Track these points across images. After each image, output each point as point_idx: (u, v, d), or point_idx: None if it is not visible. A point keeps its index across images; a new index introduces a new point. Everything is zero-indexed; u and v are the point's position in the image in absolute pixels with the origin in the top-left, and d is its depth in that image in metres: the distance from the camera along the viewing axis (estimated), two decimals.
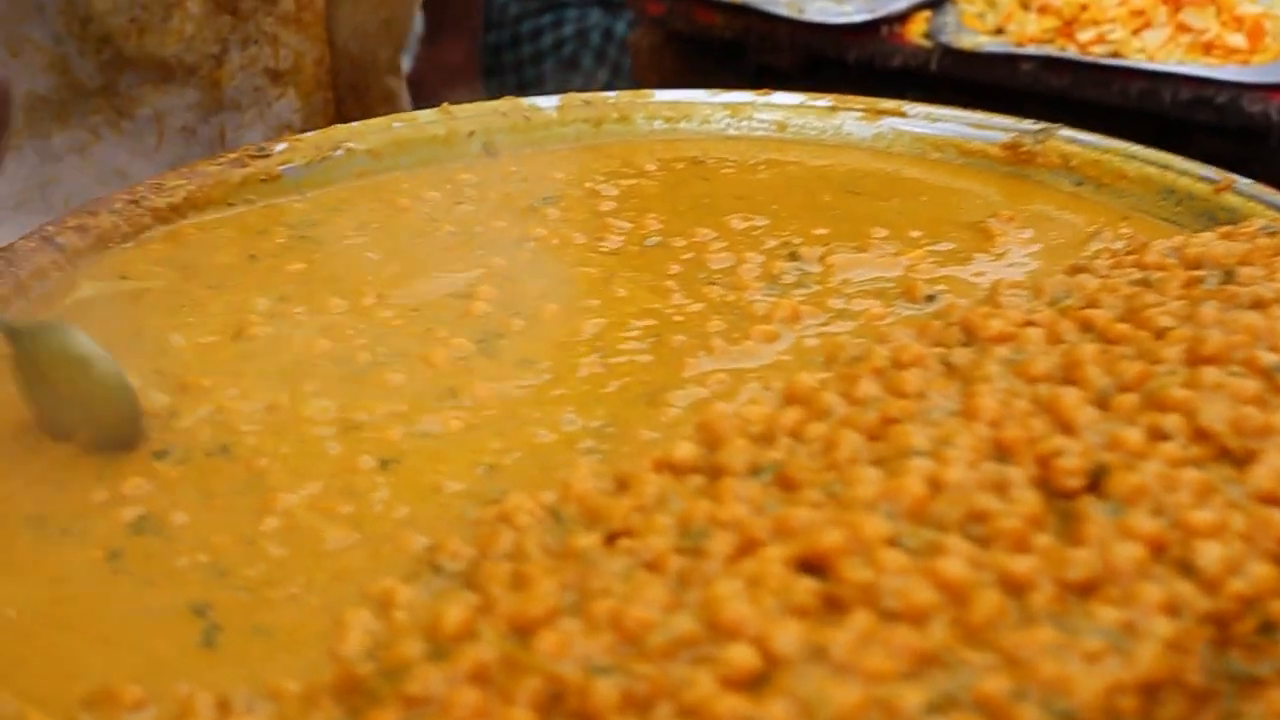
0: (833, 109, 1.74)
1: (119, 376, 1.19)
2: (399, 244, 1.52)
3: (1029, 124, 1.66)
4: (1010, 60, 2.51)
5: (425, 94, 2.28)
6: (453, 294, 1.42)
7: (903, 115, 1.72)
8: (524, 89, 3.62)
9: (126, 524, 1.13)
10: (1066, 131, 1.64)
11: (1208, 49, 2.51)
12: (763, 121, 1.76)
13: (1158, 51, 2.49)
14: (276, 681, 0.96)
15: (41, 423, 1.20)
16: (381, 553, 1.09)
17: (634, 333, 1.36)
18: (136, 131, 1.80)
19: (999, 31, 2.61)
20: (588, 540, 0.99)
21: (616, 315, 1.38)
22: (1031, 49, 2.51)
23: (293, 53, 1.87)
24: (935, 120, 1.71)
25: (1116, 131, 1.67)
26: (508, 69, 3.60)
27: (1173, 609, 0.90)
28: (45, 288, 1.43)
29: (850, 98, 1.75)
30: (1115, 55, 2.48)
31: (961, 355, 1.17)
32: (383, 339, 1.35)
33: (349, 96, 1.98)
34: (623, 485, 1.07)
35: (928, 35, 2.62)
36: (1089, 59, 2.47)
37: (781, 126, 1.75)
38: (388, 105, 2.13)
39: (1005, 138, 1.66)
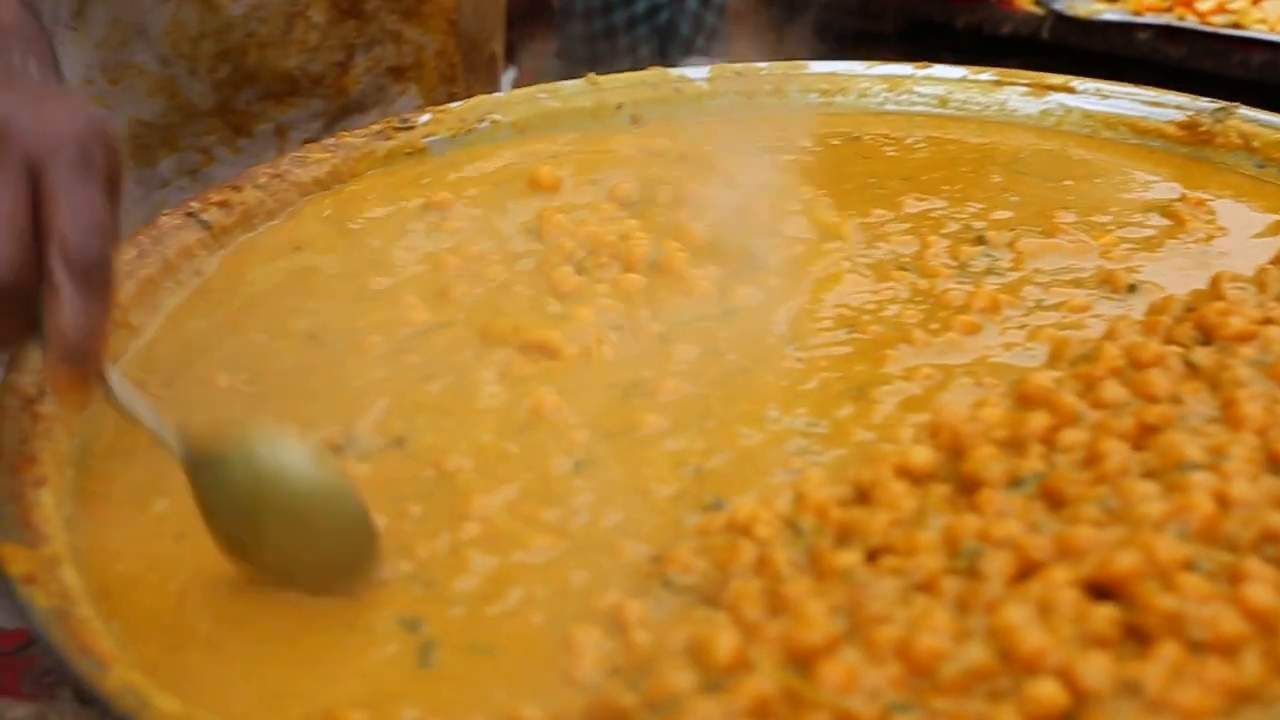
0: (997, 83, 1.67)
1: (351, 498, 1.02)
2: None
3: (1206, 102, 1.58)
4: (1126, 29, 2.44)
5: None
6: None
7: (1071, 91, 1.64)
8: (616, 57, 3.58)
9: None
10: (1246, 110, 1.56)
11: None
12: (922, 96, 1.68)
13: (1279, 22, 2.42)
14: (514, 708, 0.90)
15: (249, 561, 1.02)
16: (598, 563, 1.02)
17: (825, 323, 1.29)
18: (255, 148, 1.72)
19: None
20: (848, 558, 0.92)
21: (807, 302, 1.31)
22: (1150, 18, 2.44)
23: (414, 47, 1.79)
24: (1106, 97, 1.63)
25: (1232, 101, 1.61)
26: (599, 37, 3.52)
27: None
28: (194, 265, 1.36)
29: (1015, 72, 1.67)
30: (1236, 25, 2.41)
31: (1203, 355, 1.11)
32: None
33: (464, 74, 1.91)
34: (864, 495, 1.00)
35: (1039, 2, 2.55)
36: (1209, 28, 2.40)
37: (943, 101, 1.67)
38: (490, 70, 2.07)
39: (1181, 116, 1.58)
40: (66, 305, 0.96)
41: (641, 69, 1.65)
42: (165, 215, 1.37)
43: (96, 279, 0.97)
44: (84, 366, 0.98)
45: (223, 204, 1.41)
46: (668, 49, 3.51)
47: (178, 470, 1.04)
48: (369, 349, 1.26)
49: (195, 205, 1.39)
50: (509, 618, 0.99)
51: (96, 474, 1.13)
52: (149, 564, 1.04)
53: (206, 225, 1.39)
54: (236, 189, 1.43)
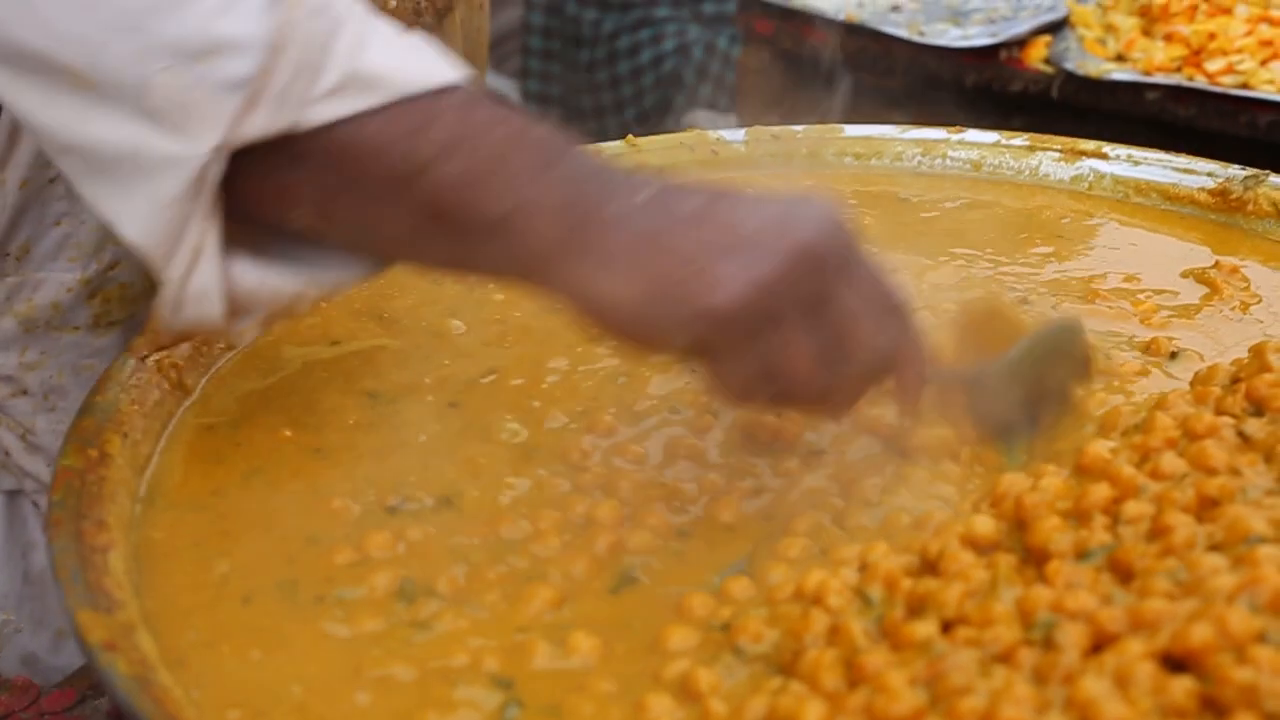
0: (1030, 148, 1.69)
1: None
2: None
3: (1236, 169, 1.61)
4: (1135, 89, 2.46)
5: None
6: None
7: (1104, 157, 1.67)
8: (621, 106, 3.60)
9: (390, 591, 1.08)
10: (1276, 178, 1.58)
11: None
12: (956, 160, 1.71)
13: None
14: None
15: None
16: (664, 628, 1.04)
17: None
18: None
19: (1120, 58, 2.56)
20: (925, 629, 0.94)
21: None
22: (1159, 78, 2.46)
23: None
24: (1138, 163, 1.66)
25: (1236, 162, 1.63)
26: (603, 86, 3.53)
27: None
28: None
29: (1048, 137, 1.70)
30: (1244, 86, 2.43)
31: (1255, 427, 1.13)
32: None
33: None
34: (931, 565, 1.02)
35: (1049, 60, 2.57)
36: (1218, 89, 2.42)
37: (976, 166, 1.70)
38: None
39: (1212, 183, 1.61)
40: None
41: (647, 119, 1.67)
42: None
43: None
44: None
45: None
46: (672, 99, 3.53)
47: (236, 527, 1.12)
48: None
49: None
50: (580, 688, 1.00)
51: (157, 536, 1.14)
52: (220, 630, 1.04)
53: None
54: None
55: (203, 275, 1.06)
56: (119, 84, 1.01)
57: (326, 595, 1.07)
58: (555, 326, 1.30)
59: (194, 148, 1.01)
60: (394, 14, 1.68)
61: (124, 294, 1.60)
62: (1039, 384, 1.23)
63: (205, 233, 1.04)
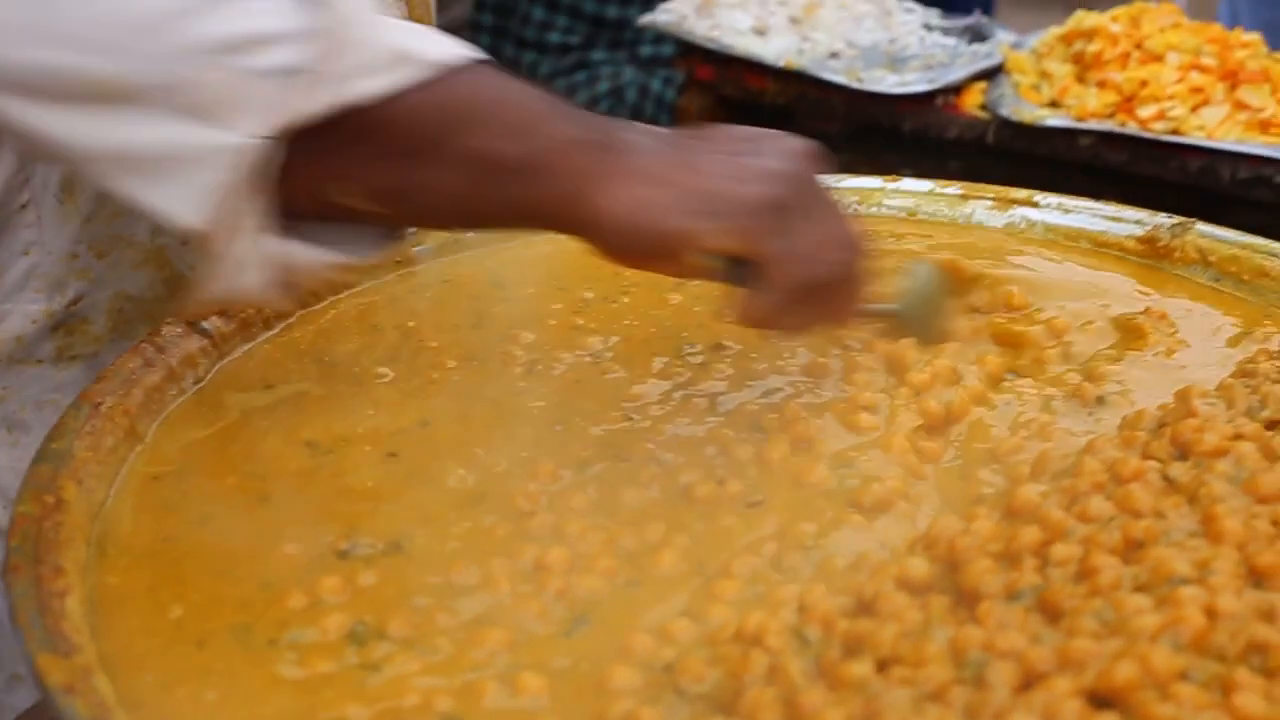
0: (963, 197, 1.73)
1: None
2: None
3: (1164, 217, 1.65)
4: (1069, 134, 2.52)
5: None
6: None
7: (1035, 205, 1.71)
8: None
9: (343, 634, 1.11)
10: (1203, 226, 1.63)
11: (1265, 127, 2.52)
12: (891, 207, 1.75)
13: (1216, 129, 2.50)
14: None
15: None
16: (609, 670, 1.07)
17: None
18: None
19: (1054, 104, 2.62)
20: (861, 669, 0.97)
21: None
22: (1092, 124, 2.51)
23: None
24: (1068, 211, 1.70)
25: (1167, 206, 1.68)
26: None
27: None
28: (195, 373, 1.41)
29: (981, 186, 1.74)
30: (1175, 132, 2.49)
31: (1180, 470, 1.17)
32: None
33: None
34: (867, 606, 1.05)
35: (984, 107, 2.63)
36: (1149, 135, 2.48)
37: (911, 214, 1.74)
38: None
39: (1140, 231, 1.65)
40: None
41: None
42: (168, 324, 1.41)
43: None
44: None
45: (222, 312, 1.45)
46: None
47: (189, 573, 1.16)
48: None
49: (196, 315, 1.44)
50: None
51: (111, 581, 1.17)
52: (176, 673, 1.07)
53: (208, 334, 1.43)
54: None
55: (250, 249, 1.15)
56: (156, 86, 1.09)
57: (279, 639, 1.10)
58: (484, 376, 1.39)
59: (242, 136, 1.10)
60: None
61: (87, 330, 1.62)
62: (933, 306, 1.47)
63: (257, 213, 1.13)
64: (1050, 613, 1.01)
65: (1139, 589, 1.01)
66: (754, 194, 1.17)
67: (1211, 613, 0.97)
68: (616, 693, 1.04)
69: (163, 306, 1.65)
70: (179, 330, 1.42)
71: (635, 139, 1.20)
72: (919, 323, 1.45)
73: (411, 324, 1.51)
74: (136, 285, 1.63)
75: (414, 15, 1.81)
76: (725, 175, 1.18)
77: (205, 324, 1.43)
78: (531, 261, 1.64)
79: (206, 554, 1.19)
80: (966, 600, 1.04)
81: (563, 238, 1.25)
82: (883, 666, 0.98)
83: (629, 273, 1.45)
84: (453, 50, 1.19)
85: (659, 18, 2.88)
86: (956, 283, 1.54)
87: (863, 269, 1.28)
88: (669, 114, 3.47)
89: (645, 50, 3.67)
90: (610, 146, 1.19)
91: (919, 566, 1.08)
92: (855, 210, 1.71)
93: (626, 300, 1.56)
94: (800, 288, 1.22)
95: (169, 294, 1.66)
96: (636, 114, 3.57)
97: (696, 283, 1.47)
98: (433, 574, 1.16)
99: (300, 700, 1.04)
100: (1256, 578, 1.03)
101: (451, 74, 1.17)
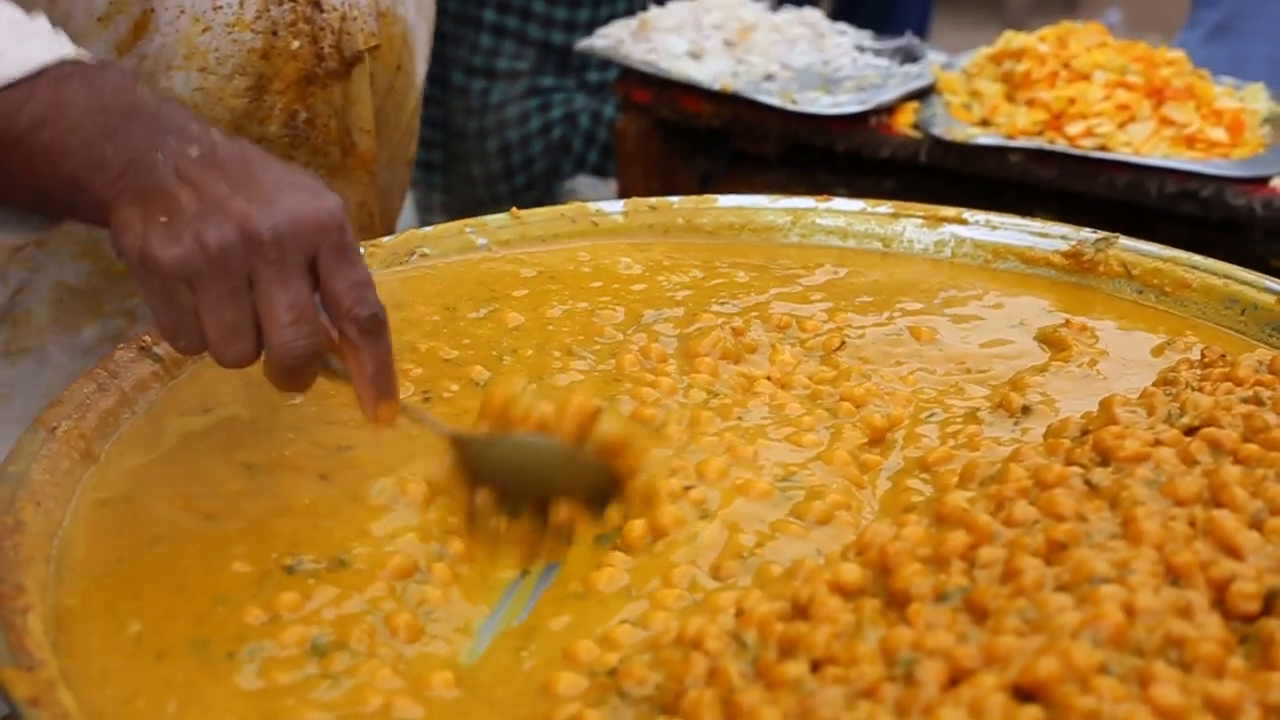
0: (894, 215, 1.78)
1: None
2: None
3: (1088, 232, 1.70)
4: (999, 152, 2.57)
5: None
6: None
7: (963, 222, 1.76)
8: (511, 173, 3.68)
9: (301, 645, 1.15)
10: (1126, 241, 1.68)
11: (1190, 142, 2.57)
12: (824, 226, 1.79)
13: (1143, 145, 2.55)
14: None
15: None
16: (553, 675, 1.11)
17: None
18: None
19: (985, 122, 2.66)
20: (796, 669, 1.01)
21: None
22: (1022, 141, 2.56)
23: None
24: (996, 228, 1.75)
25: (1097, 221, 1.73)
26: (492, 155, 3.62)
27: None
28: (148, 397, 1.44)
29: (911, 205, 1.79)
30: (1103, 148, 2.54)
31: (1101, 476, 1.21)
32: None
33: (379, 222, 1.98)
34: (802, 610, 1.09)
35: (916, 126, 2.67)
36: (1077, 152, 2.52)
37: (844, 233, 1.79)
38: (402, 196, 2.15)
39: (1066, 246, 1.70)
40: (367, 355, 1.26)
41: (536, 186, 1.73)
42: (121, 349, 1.45)
43: (379, 329, 1.26)
44: (392, 397, 1.28)
45: None
46: (561, 165, 3.61)
47: (145, 590, 1.19)
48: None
49: (148, 339, 1.47)
50: None
51: (70, 602, 1.20)
52: (137, 686, 1.11)
53: (159, 359, 1.46)
54: None
55: None
56: None
57: (238, 652, 1.13)
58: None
59: None
60: (297, 56, 1.73)
61: (30, 322, 1.64)
62: (527, 476, 1.31)
63: None
64: (977, 612, 1.05)
65: (1061, 588, 1.05)
66: (161, 254, 1.22)
67: (1130, 610, 1.01)
68: (562, 697, 1.08)
69: (100, 298, 1.68)
70: (131, 355, 1.45)
71: (163, 167, 1.26)
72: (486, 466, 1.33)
73: None
74: (75, 275, 1.66)
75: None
76: (169, 223, 1.23)
77: (157, 349, 1.46)
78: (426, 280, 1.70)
79: (160, 573, 1.23)
80: (897, 602, 1.08)
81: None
82: (817, 666, 1.02)
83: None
84: (36, 57, 1.28)
85: (596, 42, 2.92)
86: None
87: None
88: (609, 129, 3.52)
89: (593, 76, 3.72)
90: (133, 169, 1.26)
91: (852, 571, 1.12)
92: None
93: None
94: (187, 350, 1.28)
95: (107, 285, 1.69)
96: (590, 139, 3.61)
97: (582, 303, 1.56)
98: (380, 585, 1.20)
99: (260, 708, 1.08)
100: (1174, 576, 1.07)
101: (25, 84, 1.28)
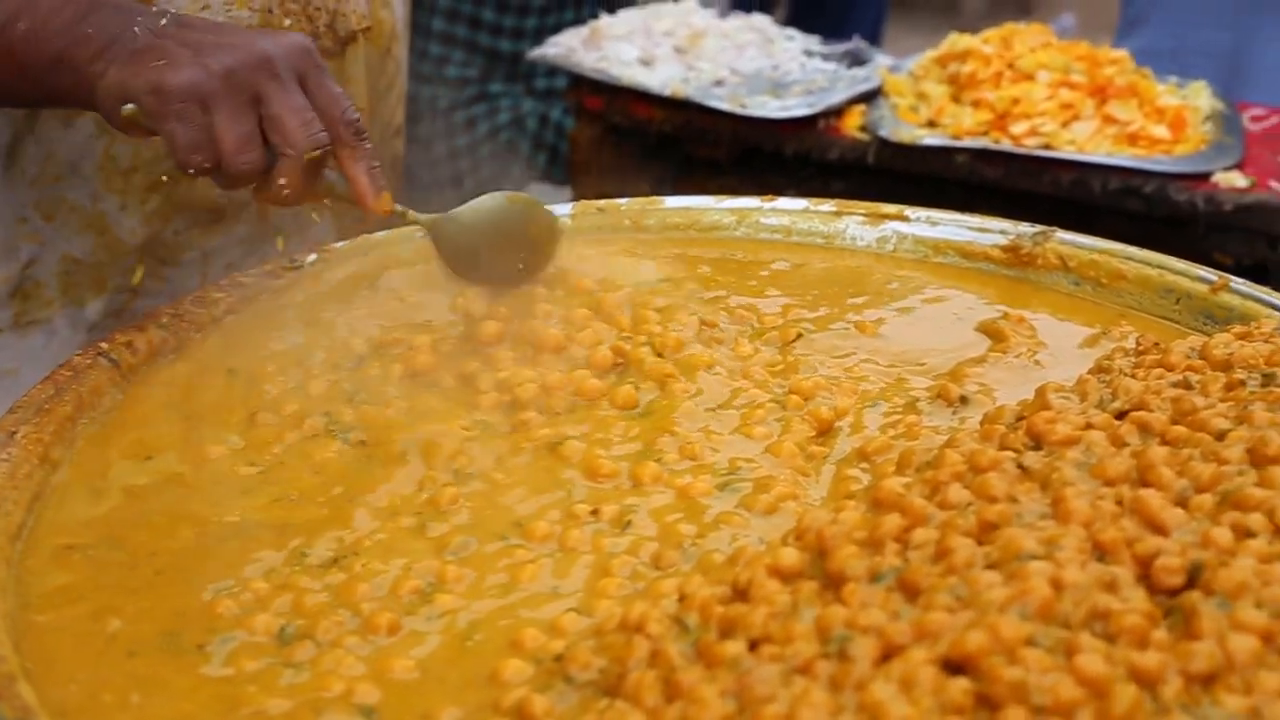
0: (837, 214, 1.82)
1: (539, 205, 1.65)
2: None
3: (1026, 227, 1.74)
4: (946, 153, 2.60)
5: None
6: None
7: (904, 219, 1.79)
8: (460, 179, 3.70)
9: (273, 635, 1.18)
10: (1063, 234, 1.72)
11: (1133, 140, 2.62)
12: (768, 226, 1.82)
13: (1087, 143, 2.59)
14: None
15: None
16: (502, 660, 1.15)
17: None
18: (180, 276, 1.82)
19: (931, 124, 2.70)
20: (734, 648, 1.04)
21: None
22: (968, 141, 2.60)
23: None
24: (936, 224, 1.78)
25: (1042, 219, 1.77)
26: (441, 160, 3.64)
27: None
28: (105, 403, 1.46)
29: (853, 203, 1.82)
30: (1047, 147, 2.58)
31: (1034, 459, 1.24)
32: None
33: None
34: (742, 593, 1.12)
35: (864, 128, 2.71)
36: (1022, 151, 2.56)
37: (788, 232, 1.82)
38: (395, 169, 2.19)
39: (1004, 240, 1.74)
40: (361, 151, 1.49)
41: (486, 191, 1.76)
42: (78, 355, 1.47)
43: (364, 130, 1.50)
44: (384, 189, 1.51)
45: (129, 344, 1.51)
46: (509, 170, 3.65)
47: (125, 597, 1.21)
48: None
49: (105, 345, 1.50)
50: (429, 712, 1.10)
51: (41, 620, 1.22)
52: (103, 682, 1.13)
53: (116, 364, 1.49)
54: (141, 330, 1.53)
55: None
56: None
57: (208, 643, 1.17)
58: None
59: None
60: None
61: (40, 294, 1.69)
62: (500, 237, 1.59)
63: None
64: (909, 591, 1.08)
65: (991, 566, 1.08)
66: (170, 78, 1.40)
67: (1057, 584, 1.04)
68: (509, 683, 1.11)
69: (104, 272, 1.73)
70: (88, 360, 1.47)
71: (138, 34, 1.45)
72: (464, 254, 1.59)
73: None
74: (81, 249, 1.72)
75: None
76: (169, 60, 1.41)
77: (114, 354, 1.49)
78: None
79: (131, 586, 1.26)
80: (833, 583, 1.11)
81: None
82: (754, 645, 1.05)
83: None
84: None
85: (548, 51, 2.95)
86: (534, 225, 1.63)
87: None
88: (557, 133, 3.55)
89: (540, 83, 3.75)
90: (115, 44, 1.44)
91: (790, 555, 1.15)
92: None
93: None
94: (206, 167, 1.44)
95: (110, 259, 1.74)
96: (538, 142, 3.64)
97: None
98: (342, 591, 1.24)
99: (224, 696, 1.11)
100: (1101, 552, 1.10)
101: None
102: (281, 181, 1.44)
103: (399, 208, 1.53)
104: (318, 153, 1.45)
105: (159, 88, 1.40)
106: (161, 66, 1.41)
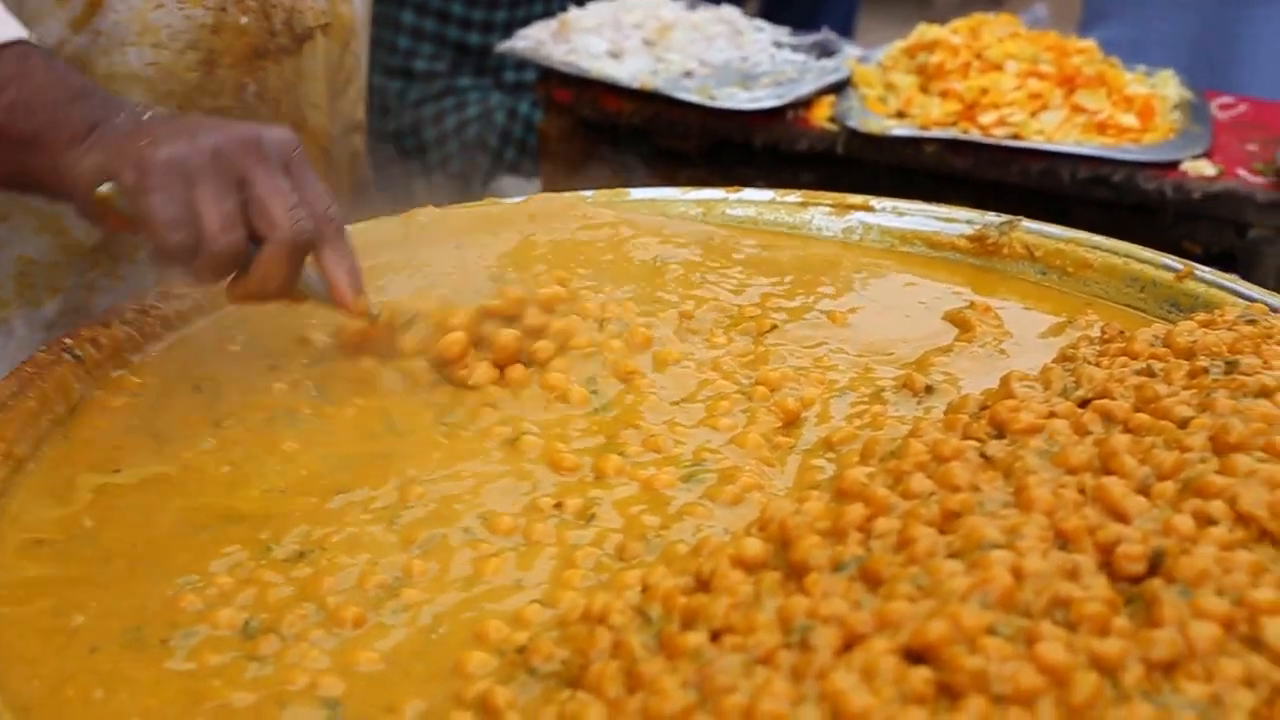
0: (803, 204, 1.82)
1: None
2: None
3: (992, 216, 1.74)
4: (915, 143, 2.60)
5: None
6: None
7: (870, 209, 1.79)
8: (429, 172, 3.70)
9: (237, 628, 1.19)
10: (1029, 223, 1.72)
11: (1102, 128, 2.62)
12: (735, 217, 1.82)
13: (1055, 132, 2.59)
14: None
15: None
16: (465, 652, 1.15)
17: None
18: (137, 275, 1.83)
19: (900, 114, 2.70)
20: (695, 639, 1.04)
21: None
22: (936, 132, 2.60)
23: None
24: (902, 214, 1.79)
25: (1012, 208, 1.78)
26: (410, 153, 3.64)
27: (1251, 681, 0.98)
28: (69, 400, 1.46)
29: (819, 193, 1.82)
30: (1016, 137, 2.58)
31: (996, 448, 1.24)
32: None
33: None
34: (705, 584, 1.12)
35: (833, 119, 2.71)
36: (991, 141, 2.56)
37: (755, 222, 1.82)
38: (354, 165, 2.19)
39: (970, 230, 1.74)
40: (345, 250, 1.46)
41: (454, 184, 1.76)
42: (42, 351, 1.47)
43: (344, 229, 1.47)
44: (363, 291, 1.47)
45: (93, 340, 1.51)
46: (478, 164, 3.64)
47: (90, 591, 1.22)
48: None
49: (69, 341, 1.49)
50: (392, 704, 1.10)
51: (4, 611, 1.22)
52: (66, 677, 1.13)
53: (80, 359, 1.48)
54: (106, 325, 1.53)
55: None
56: None
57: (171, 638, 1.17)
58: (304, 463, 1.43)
59: None
60: (246, 31, 1.78)
61: None
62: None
63: None
64: (871, 580, 1.08)
65: (953, 555, 1.08)
66: (152, 151, 1.37)
67: (1019, 573, 1.05)
68: (472, 675, 1.11)
69: (60, 272, 1.73)
70: (52, 355, 1.47)
71: (120, 124, 1.43)
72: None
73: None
74: (38, 250, 1.72)
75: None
76: (154, 140, 1.38)
77: (78, 350, 1.48)
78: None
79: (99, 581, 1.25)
80: (796, 574, 1.11)
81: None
82: (716, 636, 1.05)
83: None
84: (7, 33, 1.43)
85: (517, 44, 2.94)
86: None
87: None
88: (525, 127, 3.54)
89: (509, 76, 3.74)
90: (99, 129, 1.42)
91: (753, 545, 1.15)
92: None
93: None
94: (183, 248, 1.38)
95: (66, 260, 1.74)
96: (506, 136, 3.64)
97: None
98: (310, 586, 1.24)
99: (187, 690, 1.12)
100: (1062, 540, 1.10)
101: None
102: (263, 271, 1.41)
103: (374, 310, 1.50)
104: (301, 240, 1.42)
105: (141, 161, 1.36)
106: (145, 145, 1.38)
